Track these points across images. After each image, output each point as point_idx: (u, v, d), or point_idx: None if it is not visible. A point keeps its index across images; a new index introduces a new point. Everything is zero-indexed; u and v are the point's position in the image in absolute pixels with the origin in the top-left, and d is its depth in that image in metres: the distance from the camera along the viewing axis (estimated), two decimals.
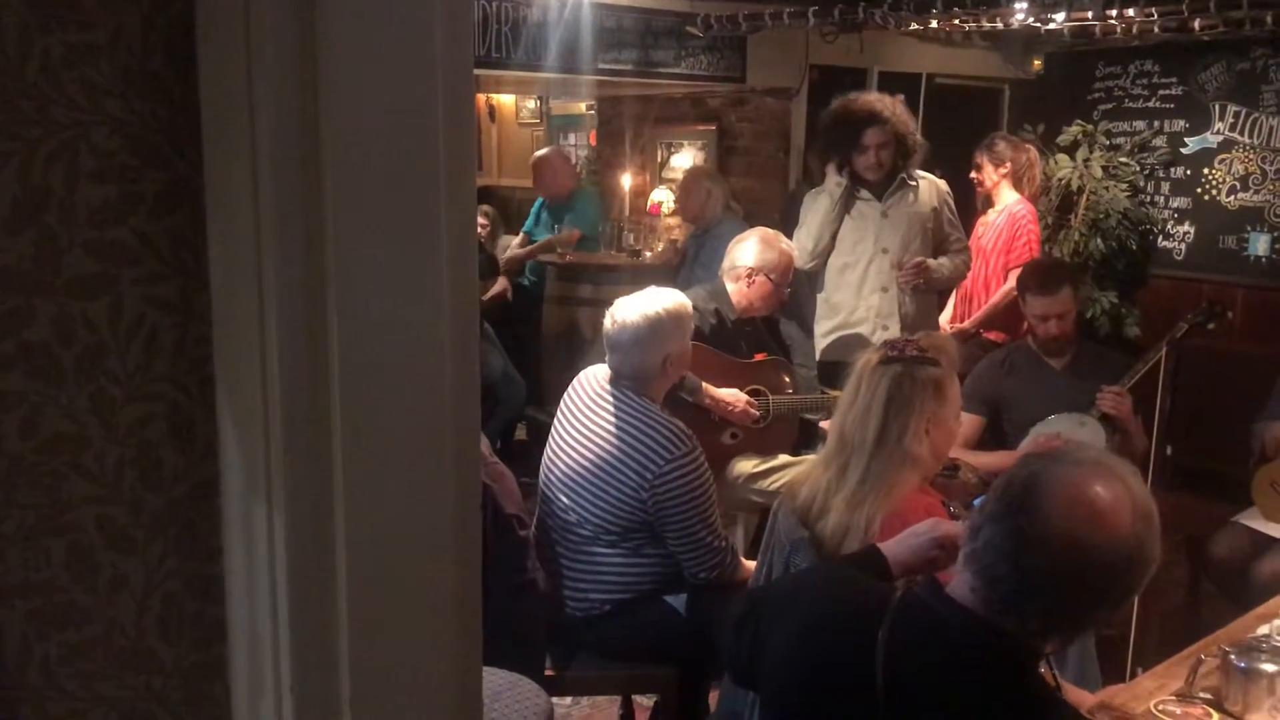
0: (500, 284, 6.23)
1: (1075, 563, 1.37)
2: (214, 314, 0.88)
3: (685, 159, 6.71)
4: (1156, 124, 6.41)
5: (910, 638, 1.47)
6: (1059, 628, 1.47)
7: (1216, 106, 6.15)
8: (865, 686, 1.46)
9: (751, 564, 2.80)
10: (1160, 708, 2.04)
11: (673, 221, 6.49)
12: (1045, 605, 1.41)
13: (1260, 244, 6.01)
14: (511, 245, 6.57)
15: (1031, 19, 5.27)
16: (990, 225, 5.09)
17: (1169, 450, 3.30)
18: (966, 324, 4.99)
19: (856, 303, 4.16)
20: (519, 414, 5.86)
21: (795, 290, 4.09)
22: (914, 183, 4.15)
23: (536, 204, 6.58)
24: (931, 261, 4.11)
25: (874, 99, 4.17)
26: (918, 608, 1.50)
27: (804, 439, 3.78)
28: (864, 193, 4.14)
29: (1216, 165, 6.17)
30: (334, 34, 0.78)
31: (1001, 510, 1.42)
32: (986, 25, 5.48)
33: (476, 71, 4.24)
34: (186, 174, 0.87)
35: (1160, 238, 6.41)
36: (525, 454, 5.21)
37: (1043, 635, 1.46)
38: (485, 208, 7.05)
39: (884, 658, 1.45)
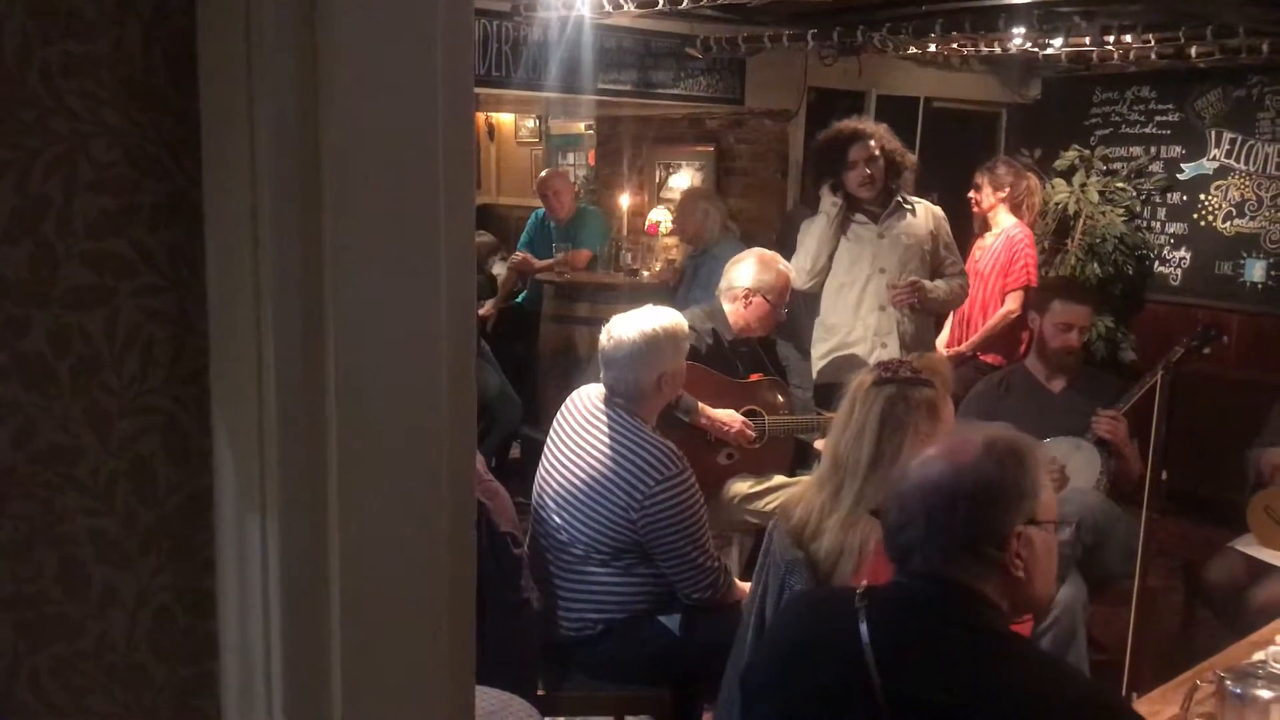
0: (486, 308, 6.24)
1: (945, 495, 1.58)
2: (210, 327, 0.88)
3: (683, 179, 6.72)
4: (1153, 150, 6.44)
5: (886, 615, 1.59)
6: (974, 557, 1.58)
7: (1213, 133, 6.18)
8: (858, 674, 1.53)
9: (746, 585, 2.79)
10: None
11: (670, 241, 6.50)
12: (949, 539, 1.58)
13: (1256, 270, 6.03)
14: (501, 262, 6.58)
15: (1029, 44, 5.31)
16: (987, 249, 5.10)
17: (1164, 475, 3.29)
18: (963, 347, 4.99)
19: (854, 322, 4.16)
20: (515, 432, 5.85)
21: (792, 312, 4.09)
22: (909, 207, 4.17)
23: (530, 222, 6.57)
24: (927, 282, 4.12)
25: (855, 121, 4.25)
26: (881, 594, 1.63)
27: (800, 459, 3.78)
28: (860, 216, 4.15)
29: (1213, 191, 6.20)
30: (335, 49, 0.78)
31: (892, 501, 1.67)
32: (985, 50, 5.52)
33: (476, 90, 4.25)
34: (185, 186, 0.86)
35: (1156, 263, 6.43)
36: (521, 472, 5.19)
37: (978, 575, 1.58)
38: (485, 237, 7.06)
39: (870, 642, 1.54)
